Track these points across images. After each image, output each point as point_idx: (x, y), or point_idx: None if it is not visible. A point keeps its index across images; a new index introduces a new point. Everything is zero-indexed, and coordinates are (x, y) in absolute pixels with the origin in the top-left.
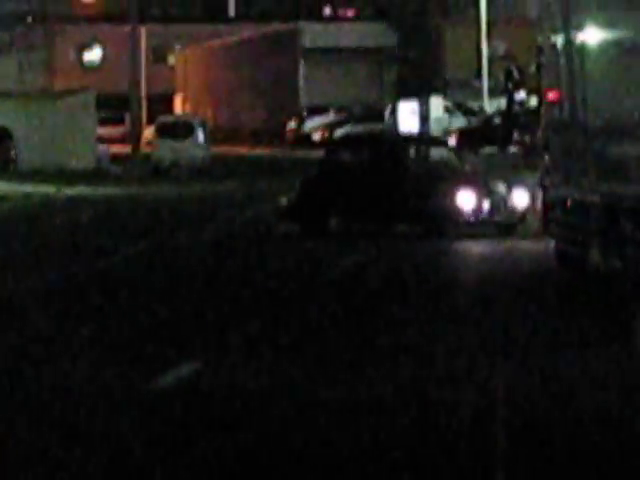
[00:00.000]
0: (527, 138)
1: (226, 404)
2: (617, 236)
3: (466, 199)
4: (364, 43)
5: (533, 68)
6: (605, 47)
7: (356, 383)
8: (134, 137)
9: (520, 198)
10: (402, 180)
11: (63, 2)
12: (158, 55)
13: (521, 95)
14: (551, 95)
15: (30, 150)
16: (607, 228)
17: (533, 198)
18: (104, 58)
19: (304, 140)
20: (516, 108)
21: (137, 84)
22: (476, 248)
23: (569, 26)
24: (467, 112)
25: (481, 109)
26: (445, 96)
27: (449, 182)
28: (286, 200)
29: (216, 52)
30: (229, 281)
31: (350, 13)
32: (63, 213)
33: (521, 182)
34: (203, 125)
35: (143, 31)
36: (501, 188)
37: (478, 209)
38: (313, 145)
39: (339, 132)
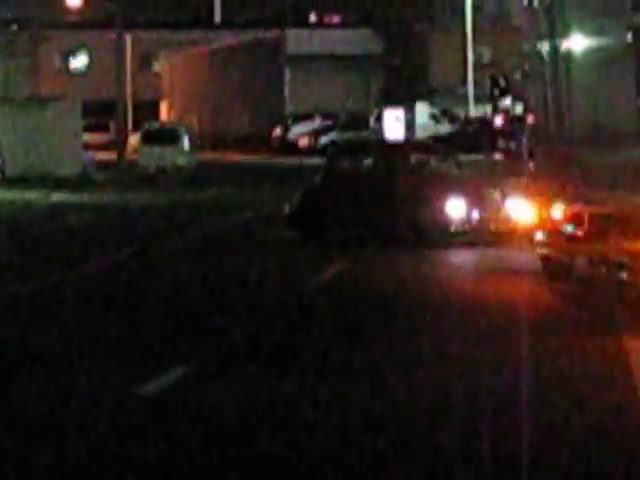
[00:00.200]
0: (512, 145)
1: (212, 412)
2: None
3: (460, 207)
4: (350, 50)
5: (518, 75)
6: (590, 54)
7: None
8: (120, 144)
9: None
10: (403, 187)
11: (49, 8)
12: (144, 62)
13: (506, 102)
14: (536, 102)
15: (15, 157)
16: (594, 236)
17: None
18: (90, 65)
19: (290, 147)
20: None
21: (123, 91)
22: (469, 257)
23: (554, 33)
24: (453, 119)
25: (466, 116)
26: (431, 103)
27: (449, 189)
28: (288, 207)
29: (202, 59)
30: (211, 289)
31: (336, 20)
32: (48, 220)
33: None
34: (189, 132)
35: (129, 38)
36: (496, 196)
37: (472, 217)
38: (299, 152)
39: (324, 139)
